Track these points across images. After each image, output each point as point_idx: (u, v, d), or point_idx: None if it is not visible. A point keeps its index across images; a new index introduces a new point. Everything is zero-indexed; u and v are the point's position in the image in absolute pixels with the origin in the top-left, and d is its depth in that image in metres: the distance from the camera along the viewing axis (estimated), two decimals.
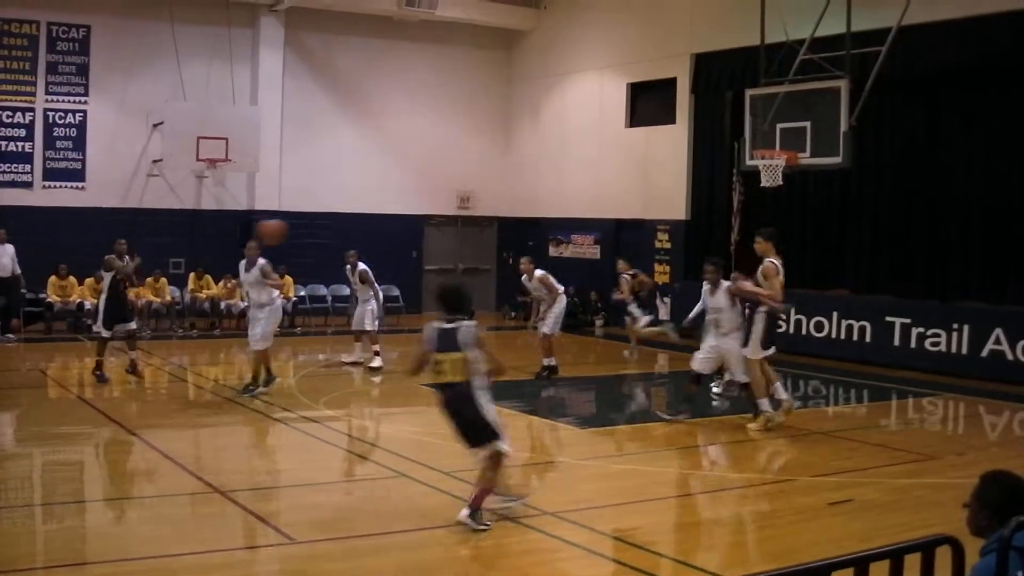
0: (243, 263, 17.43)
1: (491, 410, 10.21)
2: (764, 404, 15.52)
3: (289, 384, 18.34)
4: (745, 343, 15.57)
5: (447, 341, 10.07)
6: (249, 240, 18.00)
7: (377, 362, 20.60)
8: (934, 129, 23.28)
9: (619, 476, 13.10)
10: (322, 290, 29.31)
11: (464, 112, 33.05)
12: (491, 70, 33.65)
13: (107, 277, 18.33)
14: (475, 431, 10.19)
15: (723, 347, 15.70)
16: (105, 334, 18.27)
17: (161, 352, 22.12)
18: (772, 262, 15.48)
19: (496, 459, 10.19)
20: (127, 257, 18.49)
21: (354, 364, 21.05)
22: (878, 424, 17.13)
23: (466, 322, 10.18)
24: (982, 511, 5.45)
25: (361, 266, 20.94)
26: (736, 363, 15.76)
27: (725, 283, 15.64)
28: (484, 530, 9.91)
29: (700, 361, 15.92)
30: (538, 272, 20.29)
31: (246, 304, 18.32)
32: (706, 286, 15.88)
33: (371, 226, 29.73)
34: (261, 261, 17.11)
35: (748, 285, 15.68)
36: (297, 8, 29.25)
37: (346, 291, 27.90)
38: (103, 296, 18.52)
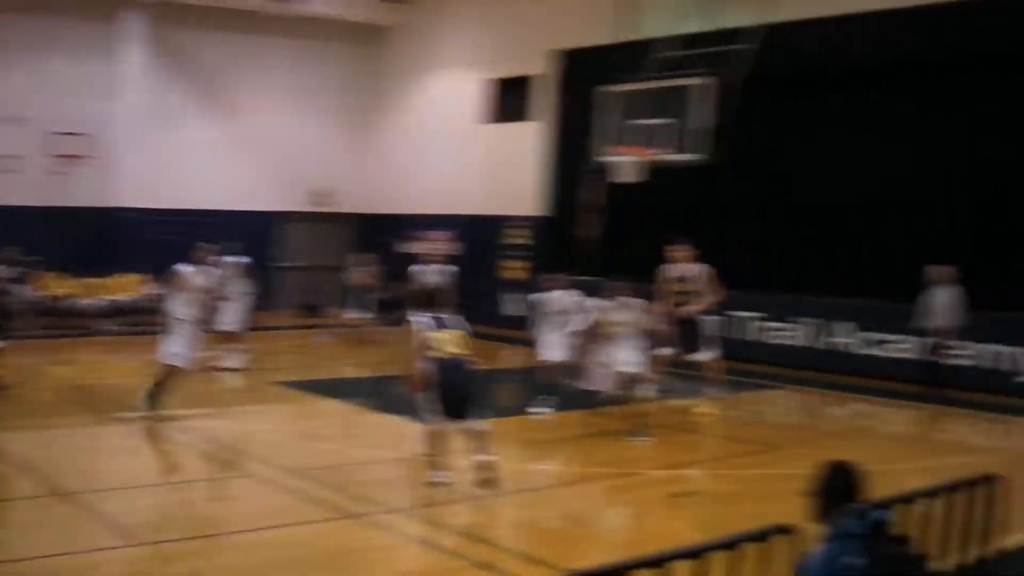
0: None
1: None
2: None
3: (139, 384, 17.94)
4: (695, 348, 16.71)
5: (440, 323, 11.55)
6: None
7: (235, 362, 20.11)
8: (795, 126, 23.52)
9: (463, 471, 13.09)
10: None
11: (327, 108, 32.72)
12: (355, 66, 33.37)
13: None
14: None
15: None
16: None
17: (12, 352, 21.54)
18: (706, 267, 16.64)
19: None
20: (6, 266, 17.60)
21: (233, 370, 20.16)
22: (723, 416, 17.33)
23: None
24: (820, 499, 5.57)
25: (233, 259, 20.30)
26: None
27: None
28: None
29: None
30: None
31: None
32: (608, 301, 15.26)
33: (231, 222, 29.20)
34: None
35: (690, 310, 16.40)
36: (161, 1, 28.72)
37: None
38: None
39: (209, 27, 30.15)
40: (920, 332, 18.96)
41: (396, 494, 11.57)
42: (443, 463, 11.51)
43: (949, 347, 18.88)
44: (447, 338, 11.32)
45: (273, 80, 31.54)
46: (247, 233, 29.18)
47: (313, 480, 11.57)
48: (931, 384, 18.83)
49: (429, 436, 11.52)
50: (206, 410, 16.15)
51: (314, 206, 32.44)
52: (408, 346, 11.18)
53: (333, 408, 17.25)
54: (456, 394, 11.27)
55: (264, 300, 29.31)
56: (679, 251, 16.90)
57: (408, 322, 11.59)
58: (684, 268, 16.80)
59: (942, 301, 18.62)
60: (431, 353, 11.26)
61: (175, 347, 15.50)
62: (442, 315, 11.62)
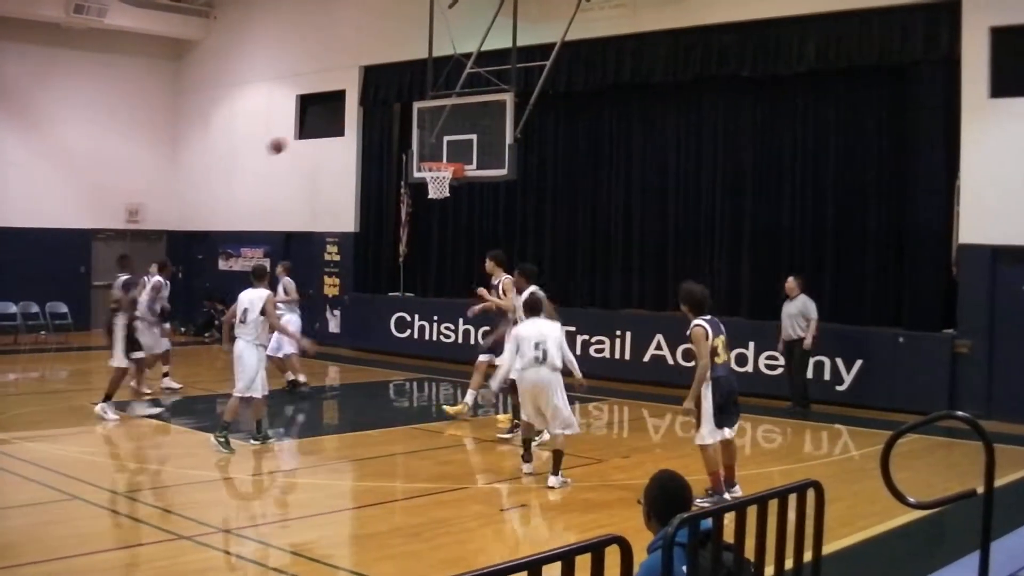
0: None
1: None
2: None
3: None
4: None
5: (716, 328, 11.94)
6: None
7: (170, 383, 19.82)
8: (595, 141, 24.11)
9: (293, 490, 13.10)
10: None
11: (133, 123, 32.09)
12: (161, 80, 32.91)
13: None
14: (737, 409, 12.19)
15: None
16: None
17: None
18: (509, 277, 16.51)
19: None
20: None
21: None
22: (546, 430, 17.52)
23: None
24: (648, 509, 5.74)
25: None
26: None
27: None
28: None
29: None
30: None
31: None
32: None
33: (38, 240, 28.68)
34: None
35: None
36: None
37: (12, 308, 26.96)
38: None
39: (10, 39, 29.31)
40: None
41: (225, 514, 11.50)
42: None
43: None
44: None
45: (79, 94, 30.84)
46: (60, 251, 28.67)
47: (140, 502, 11.45)
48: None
49: None
50: (24, 433, 15.82)
51: (127, 223, 31.93)
52: None
53: (155, 428, 17.03)
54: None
55: (82, 319, 28.90)
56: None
57: None
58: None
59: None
60: None
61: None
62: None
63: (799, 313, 19.00)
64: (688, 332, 11.98)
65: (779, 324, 19.20)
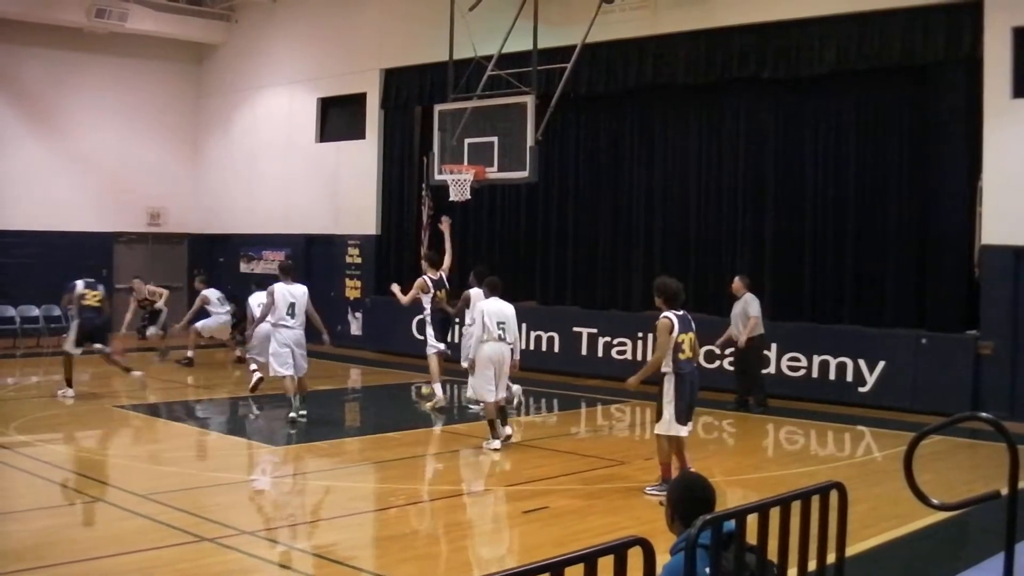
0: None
1: None
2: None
3: None
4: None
5: (686, 324, 12.31)
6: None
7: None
8: (616, 143, 24.10)
9: (315, 492, 13.10)
10: (10, 311, 28.21)
11: (154, 127, 32.18)
12: (181, 84, 32.97)
13: None
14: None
15: None
16: None
17: None
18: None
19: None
20: None
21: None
22: (568, 432, 17.53)
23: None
24: (671, 511, 5.73)
25: None
26: None
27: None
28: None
29: None
30: None
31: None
32: None
33: (60, 243, 28.76)
34: None
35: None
36: None
37: (34, 312, 27.03)
38: None
39: (32, 43, 29.41)
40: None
41: (248, 516, 11.52)
42: None
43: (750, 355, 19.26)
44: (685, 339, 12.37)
45: (98, 98, 30.93)
46: (82, 254, 28.68)
47: (163, 504, 11.45)
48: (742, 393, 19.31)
49: None
50: (46, 435, 15.86)
51: (148, 226, 31.99)
52: None
53: (176, 431, 17.06)
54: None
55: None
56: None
57: None
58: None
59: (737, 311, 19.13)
60: None
61: None
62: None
63: (742, 313, 19.02)
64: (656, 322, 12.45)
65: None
